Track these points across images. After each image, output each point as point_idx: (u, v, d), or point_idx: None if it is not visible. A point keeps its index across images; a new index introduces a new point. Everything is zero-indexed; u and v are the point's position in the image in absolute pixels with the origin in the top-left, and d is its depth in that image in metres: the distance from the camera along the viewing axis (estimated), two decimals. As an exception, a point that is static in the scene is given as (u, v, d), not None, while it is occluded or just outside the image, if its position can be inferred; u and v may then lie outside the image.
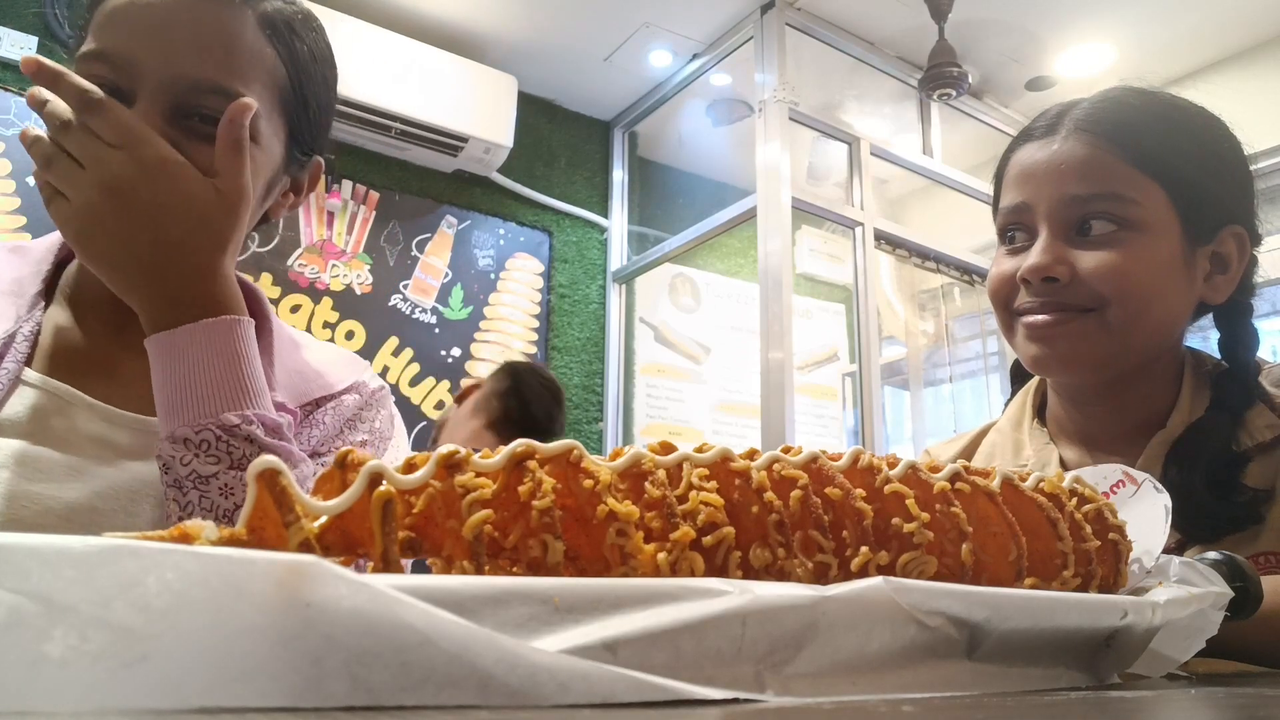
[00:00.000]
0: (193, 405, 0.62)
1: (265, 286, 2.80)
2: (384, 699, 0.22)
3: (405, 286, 3.05)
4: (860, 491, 0.38)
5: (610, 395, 3.35)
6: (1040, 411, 0.93)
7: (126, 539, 0.22)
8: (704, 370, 3.56)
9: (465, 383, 2.03)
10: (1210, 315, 0.87)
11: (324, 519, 0.30)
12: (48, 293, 0.74)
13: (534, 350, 3.24)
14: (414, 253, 3.08)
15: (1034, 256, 0.80)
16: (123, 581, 0.21)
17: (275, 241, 2.83)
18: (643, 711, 0.25)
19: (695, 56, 3.21)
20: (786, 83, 2.88)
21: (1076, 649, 0.41)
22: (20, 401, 0.67)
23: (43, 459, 0.66)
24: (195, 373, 0.63)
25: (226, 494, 0.62)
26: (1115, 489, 0.54)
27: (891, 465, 0.40)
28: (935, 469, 0.41)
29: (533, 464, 0.32)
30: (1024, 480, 0.43)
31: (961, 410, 3.51)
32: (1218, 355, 0.87)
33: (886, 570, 0.36)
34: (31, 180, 0.76)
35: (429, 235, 3.13)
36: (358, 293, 2.96)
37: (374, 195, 3.03)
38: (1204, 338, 0.91)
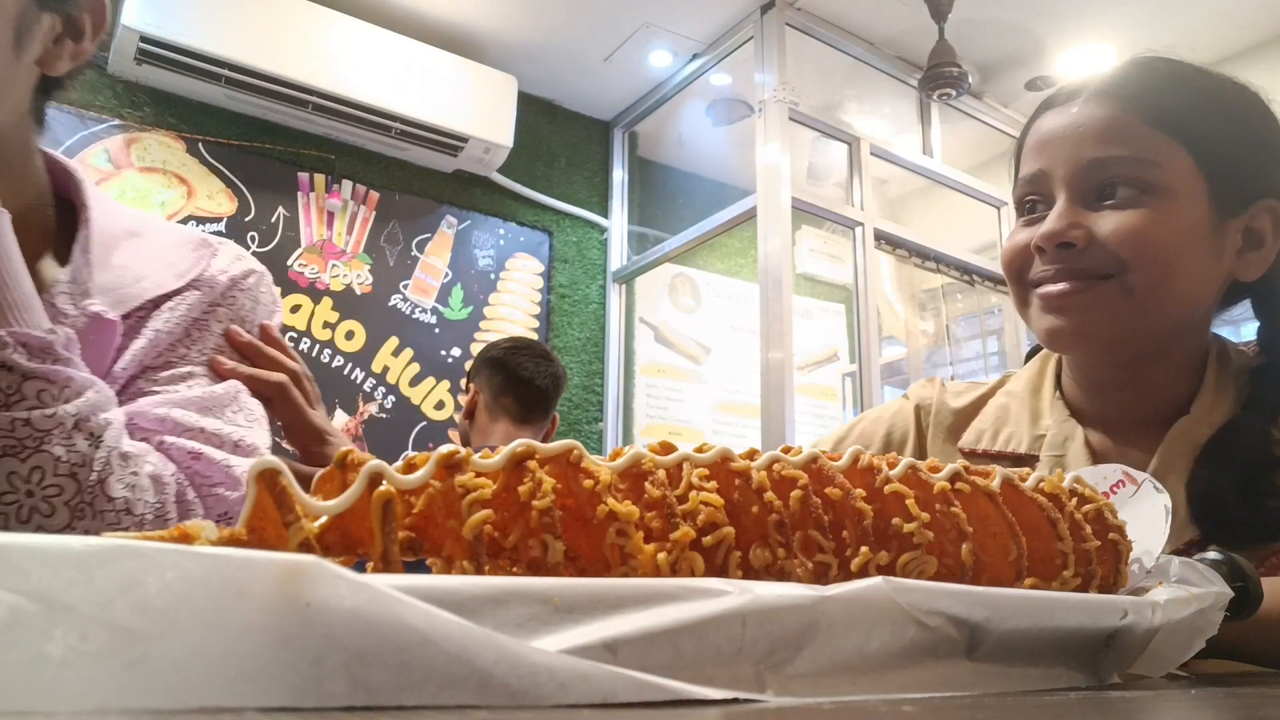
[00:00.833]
0: None
1: (265, 286, 2.80)
2: (384, 699, 0.22)
3: (405, 286, 3.05)
4: (860, 491, 0.38)
5: (610, 395, 3.35)
6: (1058, 385, 0.88)
7: (127, 539, 0.22)
8: (704, 370, 3.56)
9: (464, 398, 2.01)
10: (1247, 304, 0.83)
11: (324, 519, 0.30)
12: None
13: (534, 350, 3.24)
14: (414, 253, 3.09)
15: (1048, 223, 0.76)
16: (123, 581, 0.21)
17: (275, 241, 2.83)
18: (643, 711, 0.25)
19: (695, 56, 3.21)
20: (786, 83, 2.88)
21: (1076, 649, 0.41)
22: None
23: None
24: None
25: None
26: (1115, 489, 0.54)
27: (891, 465, 0.40)
28: (935, 469, 0.41)
29: (533, 464, 0.32)
30: (1024, 480, 0.43)
31: (961, 410, 3.49)
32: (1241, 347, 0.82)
33: (886, 570, 0.36)
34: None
35: (429, 235, 3.13)
36: (358, 293, 2.96)
37: (374, 195, 3.03)
38: (1235, 330, 0.87)
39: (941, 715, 0.27)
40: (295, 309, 2.84)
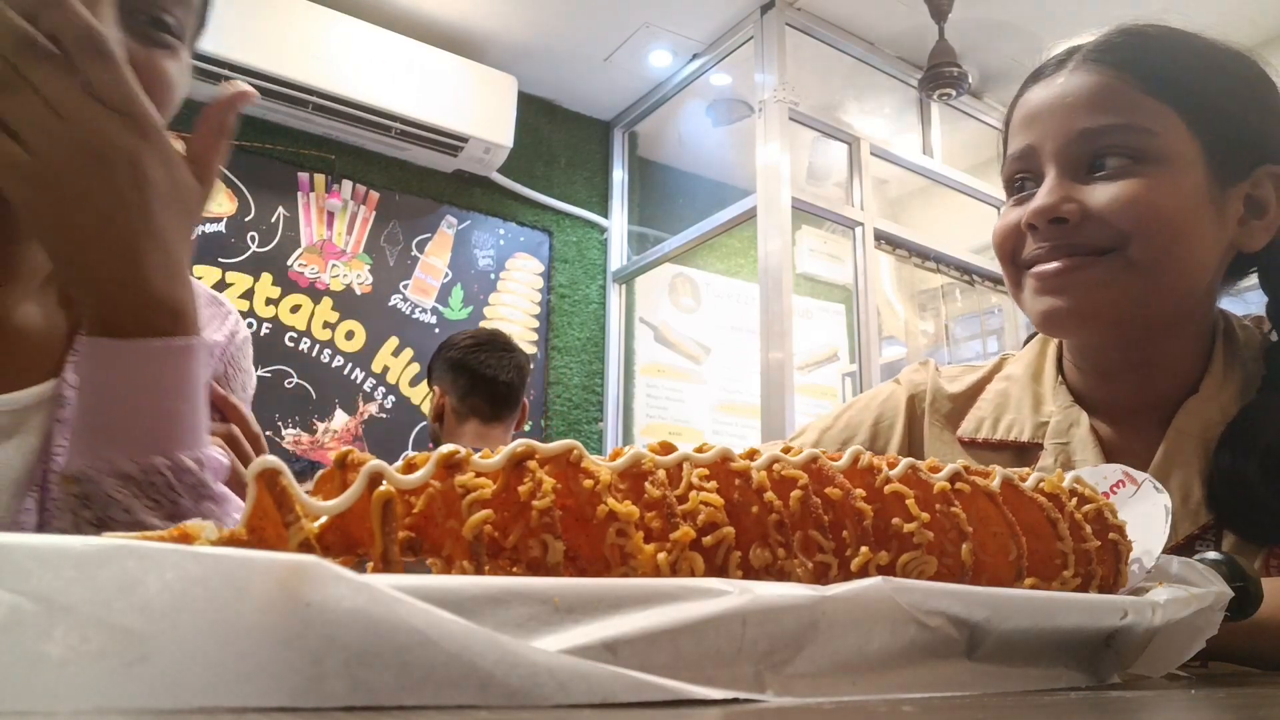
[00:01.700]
0: (141, 435, 0.52)
1: (265, 286, 2.80)
2: (384, 699, 0.22)
3: (405, 286, 3.05)
4: (860, 491, 0.38)
5: (610, 395, 3.35)
6: (1060, 369, 0.84)
7: (127, 539, 0.22)
8: (704, 370, 3.56)
9: (430, 406, 1.95)
10: (1254, 281, 0.80)
11: (324, 519, 0.30)
12: None
13: (534, 350, 3.24)
14: (414, 253, 3.09)
15: (1038, 199, 0.72)
16: (123, 581, 0.21)
17: (275, 241, 2.83)
18: (643, 711, 0.25)
19: (695, 56, 3.21)
20: (786, 83, 2.88)
21: (1076, 649, 0.41)
22: None
23: None
24: (152, 397, 0.52)
25: (136, 527, 0.52)
26: (1115, 489, 0.54)
27: (891, 465, 0.40)
28: (935, 469, 0.41)
29: (533, 464, 0.32)
30: (1024, 480, 0.43)
31: (961, 410, 3.50)
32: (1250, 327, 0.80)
33: (886, 570, 0.36)
34: None
35: (429, 235, 3.13)
36: (358, 293, 2.96)
37: (374, 195, 3.03)
38: (1247, 306, 0.83)
39: (941, 715, 0.27)
40: (295, 309, 2.84)
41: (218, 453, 0.57)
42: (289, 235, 2.86)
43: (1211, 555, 0.50)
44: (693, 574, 0.33)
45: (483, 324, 3.15)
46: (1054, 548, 0.42)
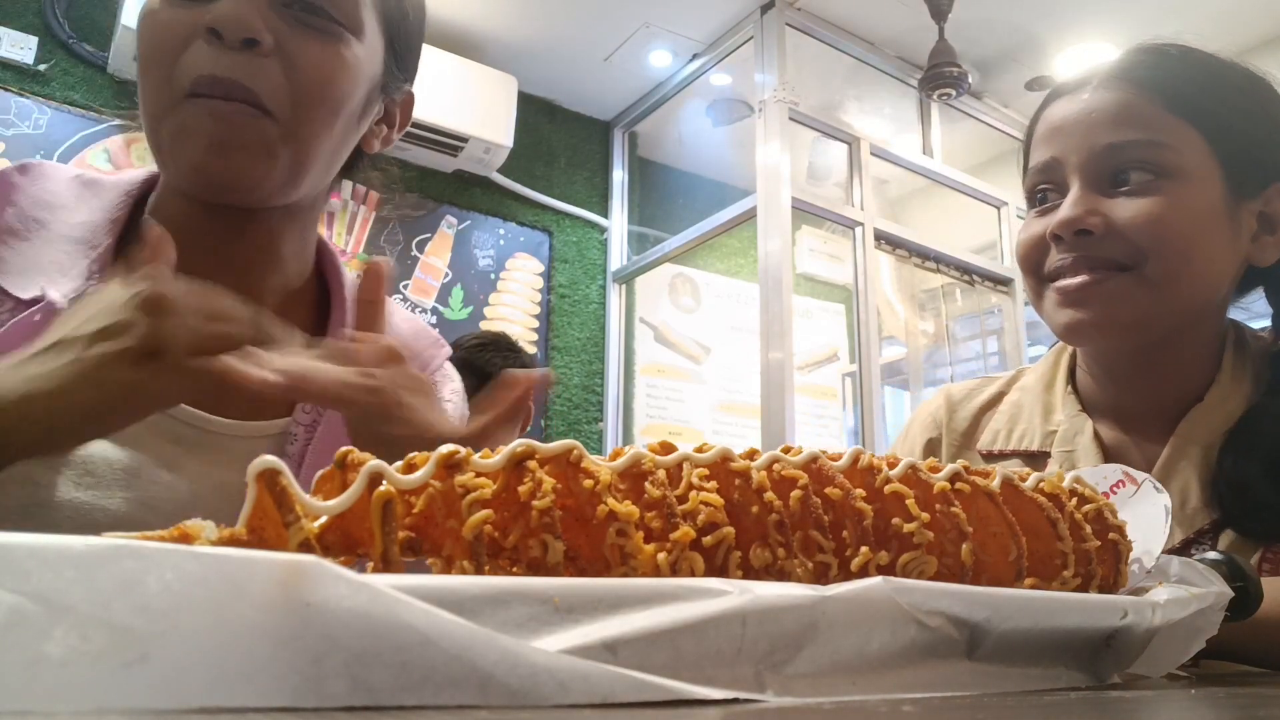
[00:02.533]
0: None
1: (265, 286, 2.80)
2: (384, 699, 0.22)
3: (405, 287, 3.05)
4: (860, 491, 0.38)
5: (610, 395, 3.35)
6: (1071, 378, 0.87)
7: (127, 539, 0.22)
8: (704, 370, 3.56)
9: None
10: (1259, 292, 0.83)
11: (324, 519, 0.30)
12: (121, 242, 0.64)
13: (534, 350, 3.24)
14: (414, 253, 3.08)
15: (1065, 210, 0.75)
16: (123, 581, 0.21)
17: (275, 241, 2.83)
18: (643, 711, 0.25)
19: (695, 56, 3.21)
20: (786, 83, 2.88)
21: (1076, 649, 0.41)
22: None
23: (96, 458, 0.59)
24: None
25: None
26: (1115, 489, 0.54)
27: (891, 465, 0.40)
28: (935, 469, 0.41)
29: (533, 464, 0.32)
30: (1024, 480, 0.43)
31: (961, 410, 3.50)
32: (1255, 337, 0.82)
33: (886, 570, 0.36)
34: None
35: (429, 235, 3.13)
36: (358, 293, 2.96)
37: (374, 195, 3.03)
38: (1250, 316, 0.86)
39: (941, 715, 0.27)
40: (295, 309, 2.83)
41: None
42: (289, 235, 2.86)
43: (1211, 555, 0.50)
44: (693, 574, 0.33)
45: (482, 324, 3.15)
46: (1054, 548, 0.42)
